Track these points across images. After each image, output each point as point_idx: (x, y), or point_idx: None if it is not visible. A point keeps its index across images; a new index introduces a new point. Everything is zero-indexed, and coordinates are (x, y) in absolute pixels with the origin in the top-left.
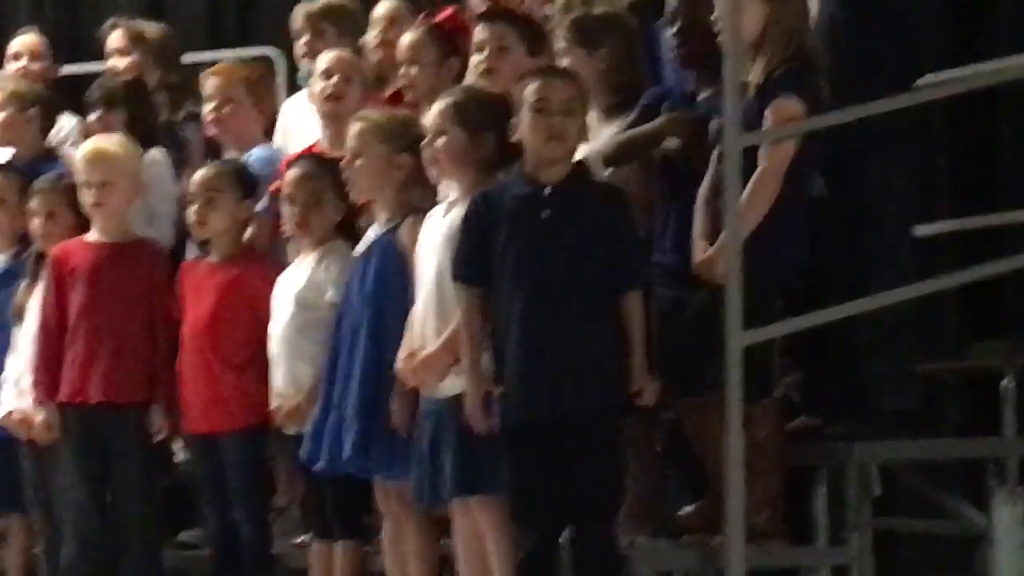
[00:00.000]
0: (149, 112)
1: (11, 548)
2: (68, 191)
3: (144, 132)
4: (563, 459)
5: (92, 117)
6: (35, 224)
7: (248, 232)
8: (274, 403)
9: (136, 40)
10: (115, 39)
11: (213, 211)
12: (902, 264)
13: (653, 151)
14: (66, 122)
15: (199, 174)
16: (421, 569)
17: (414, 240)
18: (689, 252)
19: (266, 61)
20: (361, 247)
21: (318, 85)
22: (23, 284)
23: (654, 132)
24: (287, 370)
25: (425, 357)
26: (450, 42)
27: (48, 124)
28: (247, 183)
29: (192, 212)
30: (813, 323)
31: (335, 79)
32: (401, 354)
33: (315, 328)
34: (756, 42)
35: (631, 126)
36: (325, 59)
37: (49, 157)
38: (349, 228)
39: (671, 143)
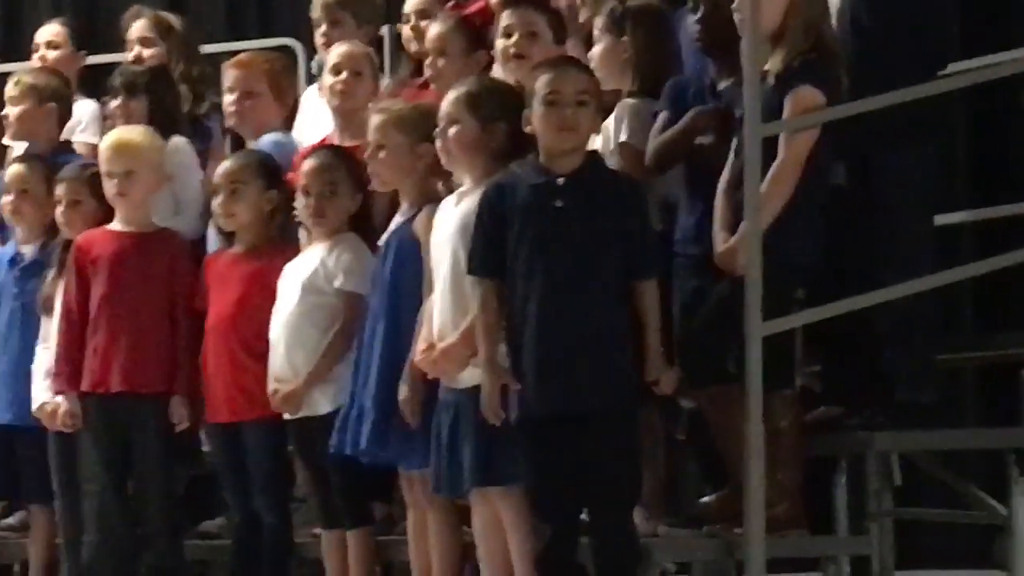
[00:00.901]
0: (172, 100)
1: (34, 539)
2: (93, 179)
3: (166, 120)
4: (581, 449)
5: (113, 104)
6: (59, 212)
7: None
8: (270, 387)
9: (163, 31)
10: (139, 28)
11: (238, 202)
12: (922, 254)
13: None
14: (81, 109)
15: (223, 166)
16: (443, 559)
17: (428, 230)
18: (711, 242)
19: (287, 52)
20: (384, 236)
21: (328, 79)
22: (50, 275)
23: (685, 130)
24: (286, 354)
25: (444, 348)
26: (478, 35)
27: (65, 117)
28: (271, 173)
29: (217, 204)
30: (832, 313)
31: (344, 75)
32: (419, 346)
33: (319, 313)
34: (776, 31)
35: (663, 128)
36: (335, 53)
37: (65, 149)
38: (364, 219)
39: (705, 138)
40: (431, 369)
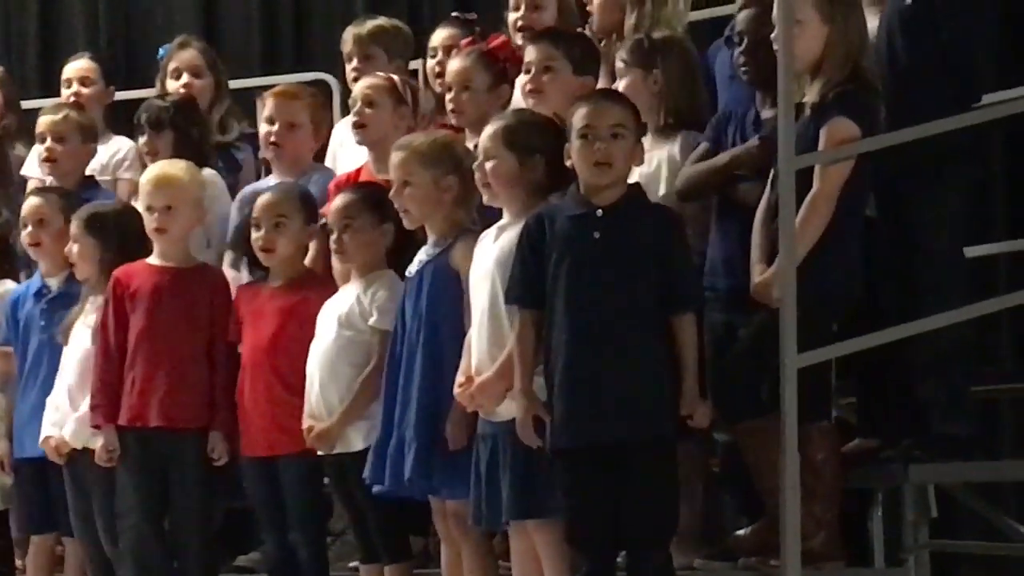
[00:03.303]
0: (199, 132)
1: (67, 571)
2: None
3: (194, 153)
4: (618, 483)
5: (140, 141)
6: (68, 249)
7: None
8: (305, 423)
9: (210, 61)
10: (192, 57)
11: (280, 236)
12: (957, 285)
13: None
14: (122, 145)
15: (264, 199)
16: None
17: (466, 261)
18: (740, 276)
19: (321, 86)
20: (413, 268)
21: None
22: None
23: (720, 168)
24: (321, 391)
25: (481, 382)
26: (501, 70)
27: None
28: (311, 208)
29: (259, 237)
30: (868, 345)
31: (358, 107)
32: (458, 379)
33: (354, 350)
34: (815, 63)
35: (702, 158)
36: (355, 88)
37: (90, 184)
38: (403, 253)
39: (740, 188)
40: (468, 402)
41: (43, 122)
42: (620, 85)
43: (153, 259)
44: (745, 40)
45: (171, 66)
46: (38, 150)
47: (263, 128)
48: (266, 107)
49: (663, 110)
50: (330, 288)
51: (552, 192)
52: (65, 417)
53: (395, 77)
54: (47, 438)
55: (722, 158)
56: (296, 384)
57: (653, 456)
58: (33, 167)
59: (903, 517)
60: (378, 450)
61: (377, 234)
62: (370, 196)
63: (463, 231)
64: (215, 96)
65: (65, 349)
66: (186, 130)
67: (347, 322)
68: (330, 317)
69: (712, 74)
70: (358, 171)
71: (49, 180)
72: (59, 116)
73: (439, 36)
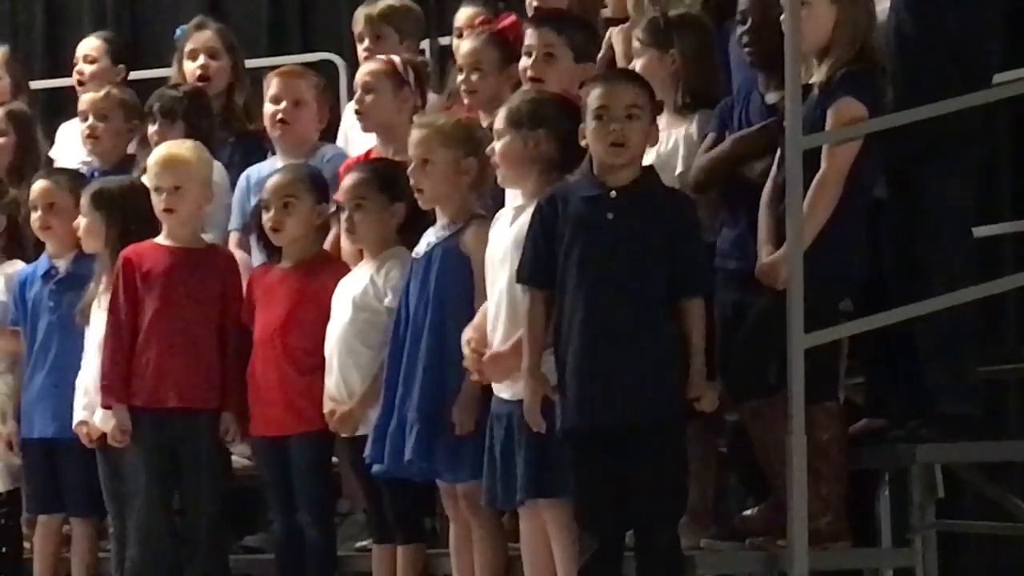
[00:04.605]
0: (207, 125)
1: (75, 552)
2: None
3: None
4: (626, 463)
5: (151, 129)
6: (81, 223)
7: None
8: (327, 406)
9: (227, 44)
10: (209, 39)
11: (290, 216)
12: (964, 266)
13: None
14: None
15: (275, 179)
16: (487, 571)
17: (479, 246)
18: (751, 257)
19: (328, 67)
20: (421, 249)
21: None
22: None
23: (727, 156)
24: (340, 373)
25: (493, 354)
26: (512, 50)
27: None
28: (321, 188)
29: (268, 218)
30: (874, 325)
31: (358, 93)
32: (466, 333)
33: (371, 332)
34: (823, 44)
35: (713, 145)
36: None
37: (130, 162)
38: (415, 231)
39: (754, 167)
40: (476, 367)
41: (85, 100)
42: (636, 65)
43: (162, 239)
44: (750, 21)
45: (188, 47)
46: (63, 131)
47: (269, 107)
48: (272, 86)
49: (680, 89)
50: (341, 269)
51: (566, 170)
52: (95, 401)
53: (395, 59)
54: (81, 423)
55: (730, 144)
56: (307, 364)
57: (661, 437)
58: (60, 150)
59: (910, 497)
60: (379, 430)
61: (388, 213)
62: (381, 175)
63: (475, 216)
64: (234, 79)
65: (87, 332)
66: (197, 123)
67: (362, 303)
68: (345, 299)
69: (728, 53)
70: (367, 154)
71: (91, 159)
72: (100, 93)
73: (462, 15)
